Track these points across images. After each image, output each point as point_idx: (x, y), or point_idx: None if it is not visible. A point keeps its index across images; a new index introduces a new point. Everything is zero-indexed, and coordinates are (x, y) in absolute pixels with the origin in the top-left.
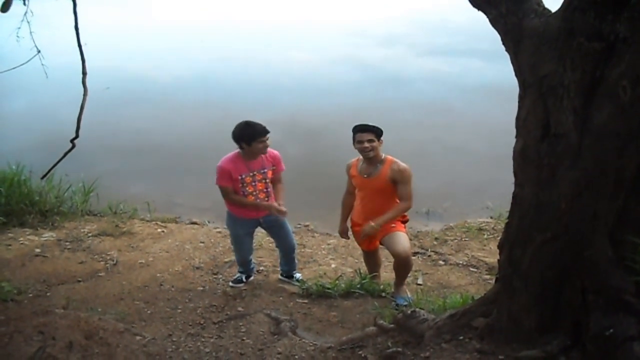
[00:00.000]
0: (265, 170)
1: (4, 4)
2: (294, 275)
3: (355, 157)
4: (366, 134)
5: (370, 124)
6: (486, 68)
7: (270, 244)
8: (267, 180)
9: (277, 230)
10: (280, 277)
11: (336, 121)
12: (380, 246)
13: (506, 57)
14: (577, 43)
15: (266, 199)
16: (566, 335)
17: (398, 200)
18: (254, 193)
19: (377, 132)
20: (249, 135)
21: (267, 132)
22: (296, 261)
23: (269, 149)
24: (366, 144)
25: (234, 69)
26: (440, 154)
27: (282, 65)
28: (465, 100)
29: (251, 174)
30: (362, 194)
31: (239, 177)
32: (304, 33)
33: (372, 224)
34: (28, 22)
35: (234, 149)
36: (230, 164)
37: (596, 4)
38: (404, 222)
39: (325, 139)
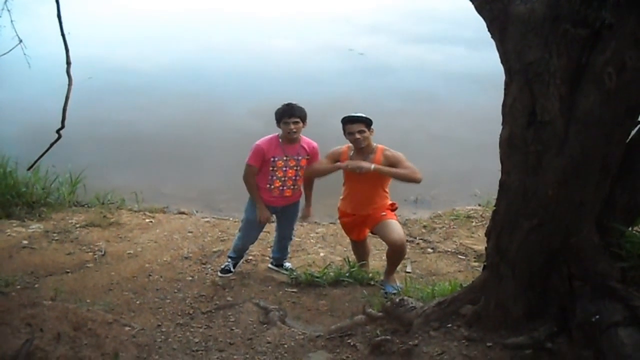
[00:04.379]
0: (300, 158)
1: None
2: (284, 265)
3: (345, 144)
4: (356, 124)
5: (359, 114)
6: (471, 56)
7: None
8: (298, 169)
9: (286, 217)
10: (269, 265)
11: (321, 110)
12: (369, 235)
13: (491, 44)
14: (562, 29)
15: (293, 186)
16: (553, 322)
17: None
18: (283, 179)
19: (367, 122)
20: (278, 114)
21: (292, 114)
22: (289, 250)
23: (307, 139)
24: (357, 135)
25: (218, 58)
26: (426, 142)
27: (267, 54)
28: (450, 88)
29: (285, 158)
30: (351, 184)
31: (271, 159)
32: (288, 22)
33: (370, 165)
34: (9, 10)
35: (221, 139)
36: (267, 143)
37: None
38: (394, 210)
39: (310, 127)
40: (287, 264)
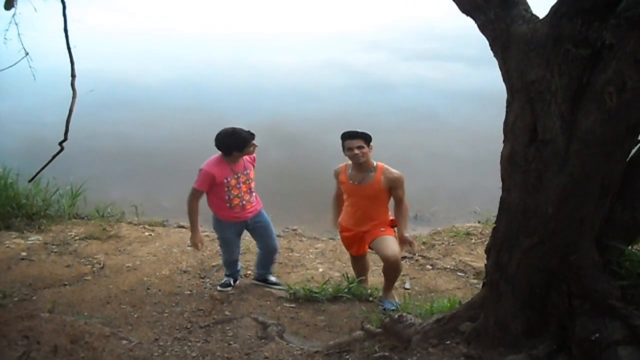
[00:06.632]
0: (248, 171)
1: (7, 1)
2: (268, 279)
3: (342, 162)
4: (355, 140)
5: (359, 130)
6: (471, 74)
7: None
8: (250, 181)
9: (261, 230)
10: (253, 280)
11: (321, 126)
12: (369, 251)
13: (491, 62)
14: (564, 49)
15: (250, 198)
16: (552, 340)
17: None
18: (240, 195)
19: (366, 138)
20: (242, 142)
21: (250, 141)
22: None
23: None
24: (356, 151)
25: (219, 73)
26: (425, 159)
27: (267, 70)
28: (450, 106)
29: (235, 176)
30: (352, 200)
31: (224, 181)
32: (290, 38)
33: (407, 235)
34: (16, 23)
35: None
36: (215, 167)
37: (583, 11)
38: (393, 226)
39: (310, 143)
40: (273, 278)
